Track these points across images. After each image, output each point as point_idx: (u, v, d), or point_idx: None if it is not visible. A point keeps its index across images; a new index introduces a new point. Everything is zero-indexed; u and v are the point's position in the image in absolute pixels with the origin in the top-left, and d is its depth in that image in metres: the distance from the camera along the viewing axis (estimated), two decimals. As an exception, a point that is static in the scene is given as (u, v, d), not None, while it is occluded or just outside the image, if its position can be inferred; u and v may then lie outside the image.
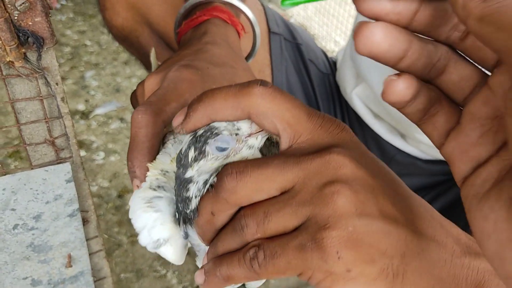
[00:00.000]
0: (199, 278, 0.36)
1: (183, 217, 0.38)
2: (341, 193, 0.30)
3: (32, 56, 0.47)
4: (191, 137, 0.36)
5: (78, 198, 0.58)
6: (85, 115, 1.65)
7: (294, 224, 0.31)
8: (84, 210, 0.61)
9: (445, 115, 0.31)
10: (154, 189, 0.41)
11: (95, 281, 0.67)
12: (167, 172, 0.42)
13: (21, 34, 0.45)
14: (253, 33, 0.67)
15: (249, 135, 0.36)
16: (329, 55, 1.06)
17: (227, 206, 0.33)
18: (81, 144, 1.54)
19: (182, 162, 0.37)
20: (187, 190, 0.36)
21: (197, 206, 0.36)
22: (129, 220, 0.43)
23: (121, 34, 0.90)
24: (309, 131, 0.33)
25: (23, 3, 0.42)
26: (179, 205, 0.38)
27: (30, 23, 0.44)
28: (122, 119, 1.65)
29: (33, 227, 0.59)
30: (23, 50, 0.46)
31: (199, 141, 0.36)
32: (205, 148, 0.35)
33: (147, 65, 0.98)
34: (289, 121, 0.33)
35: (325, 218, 0.30)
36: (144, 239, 0.41)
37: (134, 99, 0.54)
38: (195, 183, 0.36)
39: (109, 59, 1.94)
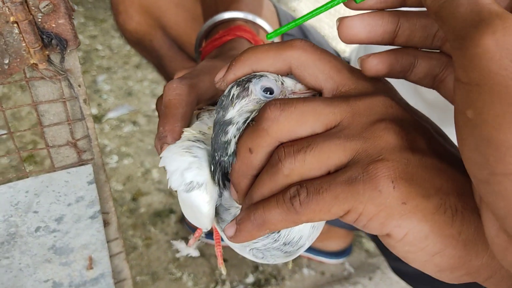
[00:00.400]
0: (229, 230, 0.33)
1: (220, 169, 0.35)
2: (392, 128, 0.30)
3: (55, 58, 0.47)
4: (233, 83, 0.35)
5: (99, 200, 0.58)
6: (98, 119, 1.66)
7: (341, 158, 0.30)
8: (105, 212, 0.61)
9: None
10: (194, 141, 0.39)
11: (115, 283, 0.68)
12: (205, 133, 0.40)
13: (44, 36, 0.45)
14: None
15: (293, 92, 0.35)
16: (348, 54, 1.06)
17: (267, 138, 0.31)
18: (94, 148, 1.55)
19: (223, 103, 0.35)
20: (226, 133, 0.34)
21: (235, 149, 0.34)
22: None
23: (134, 38, 0.91)
24: (353, 81, 0.34)
25: (46, 5, 0.42)
26: (216, 154, 0.35)
27: (54, 25, 0.44)
28: (134, 123, 1.66)
29: (55, 230, 0.59)
30: (47, 52, 0.46)
31: (243, 80, 0.34)
32: (248, 86, 0.34)
33: (159, 68, 0.98)
34: (331, 72, 0.34)
35: (378, 150, 0.29)
36: (176, 181, 0.38)
37: (160, 104, 0.54)
38: (234, 124, 0.34)
39: (121, 63, 1.95)
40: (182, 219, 1.33)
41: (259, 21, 0.64)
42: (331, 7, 0.37)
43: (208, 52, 0.62)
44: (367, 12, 0.35)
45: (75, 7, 0.45)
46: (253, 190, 0.32)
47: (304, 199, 0.29)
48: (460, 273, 0.31)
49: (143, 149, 1.56)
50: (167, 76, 0.92)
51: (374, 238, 1.08)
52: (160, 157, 0.41)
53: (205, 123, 0.42)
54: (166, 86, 0.44)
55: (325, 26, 2.28)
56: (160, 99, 0.54)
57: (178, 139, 0.41)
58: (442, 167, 0.30)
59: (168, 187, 0.39)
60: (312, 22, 2.35)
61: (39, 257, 0.60)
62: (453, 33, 0.26)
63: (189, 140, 0.40)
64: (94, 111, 1.69)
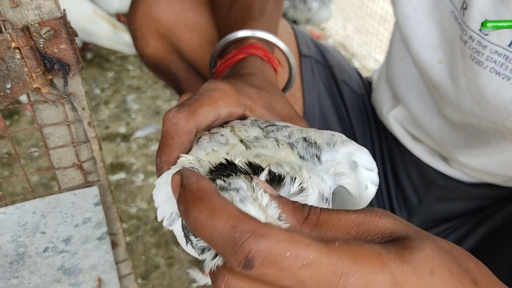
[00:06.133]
0: None
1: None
2: None
3: (58, 82, 0.48)
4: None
5: (106, 221, 0.58)
6: (126, 137, 1.69)
7: None
8: (113, 233, 0.62)
9: None
10: None
11: (125, 305, 0.67)
12: (202, 160, 0.39)
13: (47, 61, 0.45)
14: (288, 65, 0.67)
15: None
16: (370, 74, 1.04)
17: None
18: (121, 166, 1.57)
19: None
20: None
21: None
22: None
23: (152, 62, 0.92)
24: None
25: (48, 31, 0.43)
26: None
27: (56, 50, 0.45)
28: (161, 141, 1.68)
29: (63, 250, 0.59)
30: (50, 76, 0.47)
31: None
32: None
33: (178, 91, 0.99)
34: None
35: None
36: (160, 213, 0.37)
37: None
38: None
39: (150, 83, 1.98)
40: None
41: (272, 38, 0.63)
42: None
43: (221, 72, 0.62)
44: None
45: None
46: None
47: None
48: None
49: (168, 168, 1.57)
50: (185, 99, 0.93)
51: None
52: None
53: (203, 149, 0.41)
54: (165, 115, 0.44)
55: (354, 44, 2.26)
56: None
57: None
58: None
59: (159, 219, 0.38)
60: (342, 40, 2.34)
61: (49, 277, 0.60)
62: None
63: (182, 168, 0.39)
64: (123, 130, 1.72)
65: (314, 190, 0.35)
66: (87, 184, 0.55)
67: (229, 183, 0.31)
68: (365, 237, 0.31)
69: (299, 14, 2.18)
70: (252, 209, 0.29)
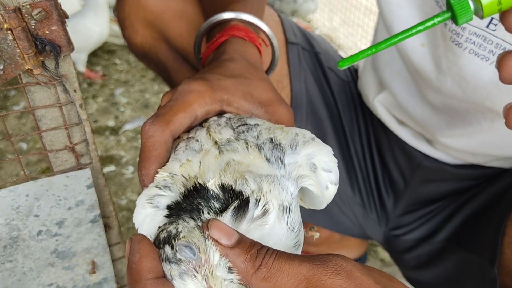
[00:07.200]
0: None
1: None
2: None
3: (50, 64, 0.48)
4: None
5: (99, 204, 0.59)
6: (114, 131, 1.69)
7: None
8: (106, 216, 0.62)
9: None
10: (160, 188, 0.41)
11: (118, 288, 0.68)
12: (175, 175, 0.42)
13: (38, 43, 0.46)
14: (271, 47, 0.67)
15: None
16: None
17: None
18: (111, 159, 1.57)
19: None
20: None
21: None
22: None
23: (141, 51, 0.93)
24: None
25: (39, 12, 0.44)
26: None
27: (47, 32, 0.46)
28: (150, 134, 1.68)
29: (57, 233, 0.60)
30: (41, 58, 0.47)
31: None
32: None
33: (167, 81, 1.00)
34: None
35: None
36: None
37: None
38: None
39: (138, 76, 1.98)
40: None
41: (254, 20, 0.64)
42: (425, 29, 0.35)
43: (207, 57, 0.63)
44: None
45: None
46: None
47: None
48: None
49: (158, 160, 1.57)
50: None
51: (388, 248, 1.06)
52: None
53: (178, 160, 0.44)
54: (141, 128, 0.46)
55: (340, 36, 2.28)
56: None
57: (153, 180, 0.43)
58: None
59: None
60: (328, 32, 2.36)
61: (42, 261, 0.61)
62: None
63: (156, 187, 0.42)
64: (111, 123, 1.72)
65: (274, 206, 0.38)
66: (79, 167, 0.56)
67: (175, 252, 0.34)
68: None
69: (285, 6, 2.19)
70: (190, 283, 0.33)
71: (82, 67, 1.89)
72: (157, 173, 0.44)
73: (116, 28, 1.84)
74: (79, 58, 1.85)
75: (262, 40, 0.64)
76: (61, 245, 0.61)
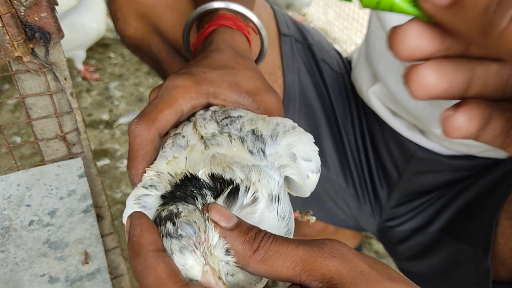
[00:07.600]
0: None
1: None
2: None
3: (40, 51, 0.48)
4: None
5: (91, 194, 0.59)
6: (109, 124, 1.68)
7: None
8: (98, 206, 0.62)
9: None
10: (146, 188, 0.42)
11: (112, 279, 0.68)
12: (161, 173, 0.43)
13: (28, 30, 0.46)
14: (260, 37, 0.67)
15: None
16: (349, 53, 1.06)
17: None
18: (105, 153, 1.57)
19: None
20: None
21: None
22: None
23: (133, 44, 0.92)
24: None
25: (28, -2, 0.43)
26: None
27: (37, 19, 0.45)
28: (145, 128, 1.68)
29: (49, 223, 0.60)
30: (31, 45, 0.47)
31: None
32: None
33: (160, 73, 0.99)
34: None
35: None
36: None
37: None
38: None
39: (132, 70, 1.98)
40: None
41: (240, 9, 0.63)
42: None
43: (196, 48, 0.63)
44: (436, 60, 0.28)
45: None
46: None
47: None
48: None
49: (152, 153, 1.57)
50: (167, 80, 0.92)
51: (382, 240, 1.07)
52: None
53: (165, 157, 0.44)
54: (128, 128, 0.46)
55: (335, 29, 2.27)
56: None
57: (141, 179, 0.44)
58: None
59: None
60: (323, 26, 2.35)
61: (35, 251, 0.61)
62: None
63: (143, 187, 0.42)
64: (106, 117, 1.72)
65: (264, 195, 0.39)
66: (70, 156, 0.56)
67: (177, 228, 0.35)
68: (307, 276, 0.32)
69: (280, 0, 2.18)
70: (190, 258, 0.34)
71: (80, 65, 1.88)
72: (145, 172, 0.44)
73: (110, 22, 1.83)
74: (78, 55, 1.84)
75: (252, 29, 0.64)
76: (53, 235, 0.61)
